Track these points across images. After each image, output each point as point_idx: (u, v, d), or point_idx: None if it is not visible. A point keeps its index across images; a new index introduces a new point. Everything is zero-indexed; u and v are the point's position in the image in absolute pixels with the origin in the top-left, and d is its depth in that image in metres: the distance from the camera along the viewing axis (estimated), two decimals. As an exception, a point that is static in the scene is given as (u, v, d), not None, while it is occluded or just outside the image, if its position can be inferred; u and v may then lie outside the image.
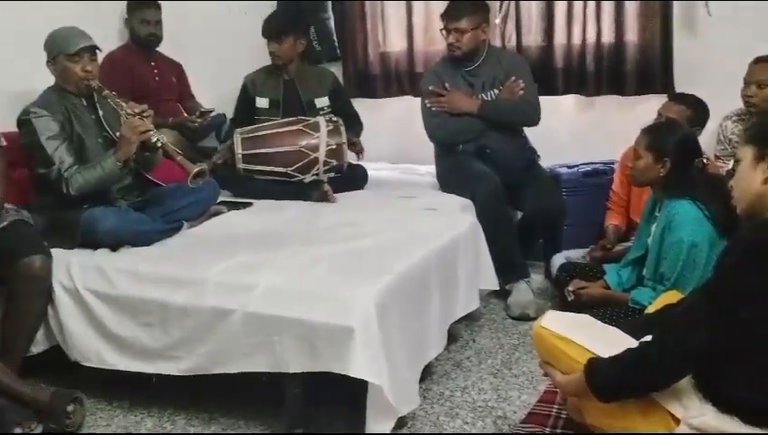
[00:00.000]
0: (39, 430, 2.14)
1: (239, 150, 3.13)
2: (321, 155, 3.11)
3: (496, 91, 3.22)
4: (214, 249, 2.39)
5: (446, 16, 3.18)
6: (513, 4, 3.72)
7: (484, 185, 2.99)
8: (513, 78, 3.19)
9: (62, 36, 2.55)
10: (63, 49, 2.52)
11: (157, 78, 3.65)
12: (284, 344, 1.97)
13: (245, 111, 3.42)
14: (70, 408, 2.14)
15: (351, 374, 1.87)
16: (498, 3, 3.74)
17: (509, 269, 2.94)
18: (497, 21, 3.74)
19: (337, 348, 1.90)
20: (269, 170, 3.14)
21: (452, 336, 2.56)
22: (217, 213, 2.86)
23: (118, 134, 2.67)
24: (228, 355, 2.05)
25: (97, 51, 2.61)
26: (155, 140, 2.50)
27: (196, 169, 2.47)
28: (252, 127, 3.24)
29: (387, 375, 1.89)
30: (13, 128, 2.57)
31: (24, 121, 2.47)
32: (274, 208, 2.95)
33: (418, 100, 3.37)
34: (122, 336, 2.20)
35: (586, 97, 3.68)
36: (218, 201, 2.92)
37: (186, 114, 3.66)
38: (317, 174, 3.14)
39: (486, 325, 2.85)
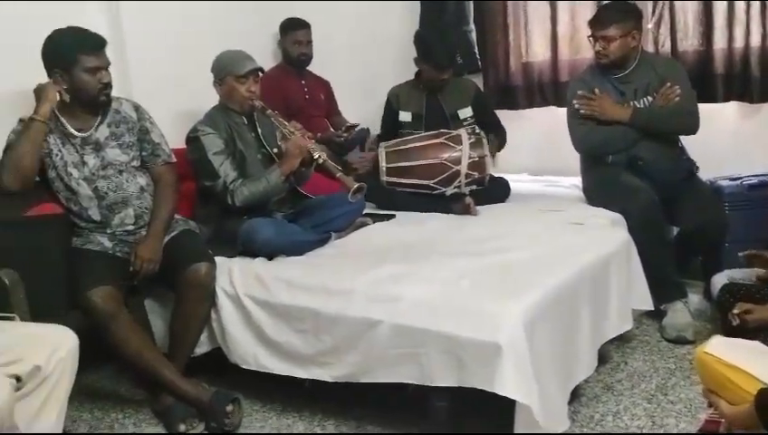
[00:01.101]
0: (201, 428, 2.31)
1: (383, 163, 3.20)
2: (463, 168, 3.11)
3: (650, 98, 3.05)
4: (361, 260, 2.45)
5: (593, 24, 3.07)
6: (666, 6, 3.53)
7: (637, 199, 2.84)
8: (669, 84, 3.02)
9: (232, 59, 2.75)
10: (233, 71, 2.71)
11: (306, 96, 3.83)
12: (431, 357, 1.99)
13: (391, 125, 3.49)
14: (229, 408, 2.28)
15: (499, 392, 1.84)
16: (651, 6, 3.57)
17: (664, 288, 2.77)
18: (650, 25, 3.57)
19: (484, 365, 1.88)
20: (412, 183, 3.18)
21: (602, 358, 2.45)
22: (363, 225, 2.94)
23: (275, 150, 2.86)
24: (376, 365, 2.10)
25: (260, 73, 2.79)
26: (317, 156, 2.66)
27: (355, 186, 2.60)
28: (396, 140, 3.30)
29: (536, 395, 1.85)
30: (181, 144, 2.80)
31: (192, 138, 2.68)
32: (417, 221, 2.98)
33: (563, 110, 3.28)
34: (278, 341, 2.32)
35: (749, 104, 3.41)
36: (364, 213, 2.99)
37: (332, 129, 3.81)
38: (459, 187, 3.15)
39: (639, 347, 2.70)
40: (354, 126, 3.70)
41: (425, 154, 3.17)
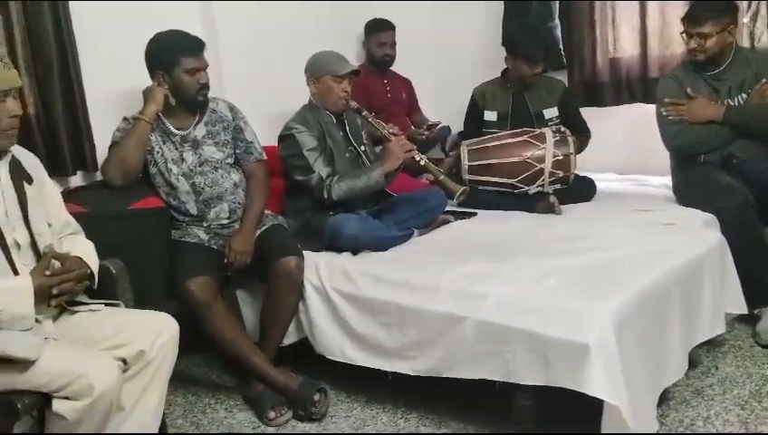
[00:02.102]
0: (289, 415, 2.39)
1: (465, 162, 3.21)
2: (547, 166, 3.08)
3: (744, 95, 2.93)
4: (444, 257, 2.47)
5: (687, 20, 2.96)
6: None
7: (731, 199, 2.73)
8: (765, 80, 2.89)
9: (330, 59, 2.85)
10: (333, 71, 2.80)
11: (389, 94, 3.90)
12: (516, 355, 1.99)
13: (475, 124, 3.48)
14: (316, 397, 2.35)
15: (587, 392, 1.83)
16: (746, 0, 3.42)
17: (760, 292, 2.65)
18: (745, 20, 3.42)
19: (572, 364, 1.87)
20: (494, 181, 3.18)
21: (692, 361, 2.38)
22: (445, 222, 2.96)
23: (363, 148, 2.93)
24: (460, 361, 2.12)
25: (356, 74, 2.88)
26: (418, 158, 2.74)
27: (460, 190, 2.71)
28: (478, 139, 3.30)
29: (625, 396, 1.82)
30: (269, 142, 2.90)
31: (287, 136, 2.78)
32: (499, 219, 2.97)
33: (652, 107, 3.18)
34: (363, 334, 2.37)
35: None
36: (445, 211, 3.01)
37: (413, 127, 3.85)
38: (542, 185, 3.12)
39: (731, 352, 2.61)
40: (435, 124, 3.73)
41: (507, 152, 3.16)
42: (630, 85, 3.83)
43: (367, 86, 3.72)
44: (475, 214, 3.07)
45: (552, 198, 3.02)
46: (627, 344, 1.91)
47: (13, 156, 1.86)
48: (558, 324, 1.92)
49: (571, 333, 1.88)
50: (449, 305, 2.14)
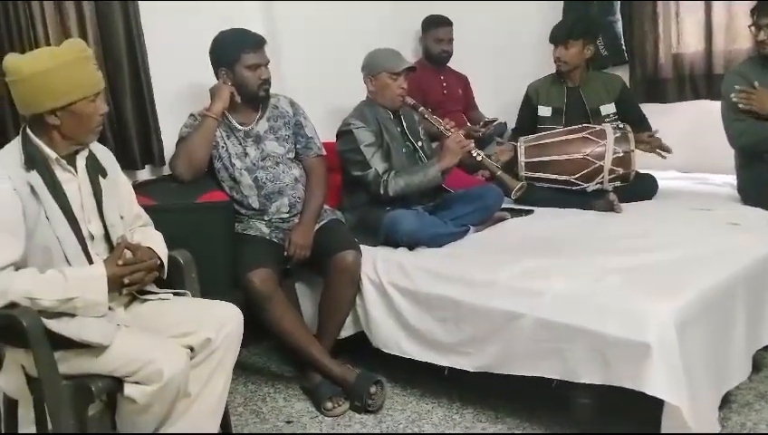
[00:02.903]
0: (346, 406, 2.43)
1: (522, 158, 3.18)
2: (607, 163, 3.04)
3: (816, 92, 2.83)
4: (501, 253, 2.47)
5: (757, 11, 2.87)
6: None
7: (800, 199, 2.65)
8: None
9: (387, 56, 2.88)
10: (388, 67, 2.84)
11: (445, 91, 3.89)
12: (575, 353, 1.98)
13: (528, 120, 3.46)
14: (372, 389, 2.39)
15: (648, 392, 1.81)
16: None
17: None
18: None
19: (632, 364, 1.85)
20: (551, 178, 3.15)
21: (756, 365, 2.32)
22: (501, 219, 2.95)
23: (420, 144, 2.95)
24: (517, 357, 2.12)
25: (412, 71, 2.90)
26: (475, 154, 2.74)
27: (518, 185, 2.70)
28: (536, 135, 3.28)
29: (686, 397, 1.80)
30: (328, 138, 2.95)
31: (345, 132, 2.82)
32: (557, 216, 2.95)
33: (714, 104, 3.11)
34: (419, 328, 2.40)
35: None
36: (502, 208, 3.01)
37: (469, 124, 3.84)
38: (601, 183, 3.08)
39: (798, 357, 2.53)
40: (492, 121, 3.71)
41: (566, 149, 3.13)
42: (694, 81, 3.73)
43: (423, 82, 3.72)
44: (531, 211, 3.05)
45: (612, 196, 2.98)
46: (689, 345, 1.88)
47: (89, 150, 1.96)
48: (619, 323, 1.91)
49: (633, 333, 1.86)
50: (507, 302, 2.15)
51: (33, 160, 1.81)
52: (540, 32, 3.97)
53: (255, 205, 2.64)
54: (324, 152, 2.83)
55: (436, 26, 3.82)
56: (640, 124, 3.32)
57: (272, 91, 2.73)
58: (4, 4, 2.42)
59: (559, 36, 3.32)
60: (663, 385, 1.79)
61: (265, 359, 2.94)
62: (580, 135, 3.12)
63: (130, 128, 2.79)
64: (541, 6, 4.14)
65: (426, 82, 3.75)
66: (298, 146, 2.76)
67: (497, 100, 4.17)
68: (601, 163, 3.04)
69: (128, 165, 2.77)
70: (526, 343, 2.09)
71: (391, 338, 2.49)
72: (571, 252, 2.39)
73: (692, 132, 3.66)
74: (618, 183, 3.08)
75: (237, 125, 2.67)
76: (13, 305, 1.73)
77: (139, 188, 2.44)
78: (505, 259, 2.36)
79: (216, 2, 3.09)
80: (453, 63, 3.99)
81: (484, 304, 2.20)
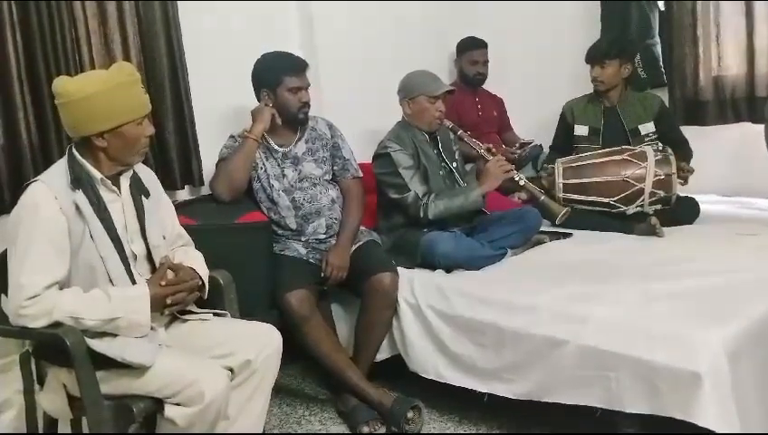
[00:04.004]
0: (382, 430, 2.40)
1: (560, 179, 3.14)
2: (648, 186, 2.98)
3: None
4: (541, 277, 2.44)
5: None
6: None
7: None
8: None
9: (426, 79, 2.88)
10: (428, 91, 2.84)
11: (480, 113, 3.89)
12: (621, 382, 1.93)
13: (564, 139, 3.44)
14: (410, 414, 2.36)
15: (699, 423, 1.75)
16: None
17: None
18: None
19: (681, 393, 1.79)
20: (590, 200, 3.10)
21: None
22: (539, 242, 2.91)
23: (455, 165, 2.94)
24: (560, 385, 2.07)
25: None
26: (517, 178, 2.72)
27: (563, 211, 2.69)
28: (574, 156, 3.24)
29: (738, 428, 1.74)
30: (363, 160, 2.95)
31: (382, 154, 2.82)
32: (596, 240, 2.90)
33: (759, 127, 3.04)
34: (458, 353, 2.36)
35: None
36: (540, 230, 2.97)
37: (504, 146, 3.82)
38: (641, 205, 3.02)
39: None
40: (528, 143, 3.68)
41: (605, 170, 3.08)
42: (735, 104, 3.65)
43: (458, 104, 3.71)
44: (570, 234, 3.00)
45: (654, 220, 2.92)
46: (741, 374, 1.83)
47: (133, 171, 1.98)
48: (667, 351, 1.86)
49: (682, 361, 1.81)
50: (549, 328, 2.11)
51: (79, 180, 1.83)
52: (576, 52, 3.95)
53: (293, 225, 2.65)
54: (361, 174, 2.83)
55: (471, 49, 3.83)
56: (681, 147, 3.27)
57: (309, 112, 2.74)
58: (51, 28, 2.48)
59: (595, 56, 3.30)
60: (714, 416, 1.73)
61: (300, 380, 2.92)
62: (620, 157, 3.07)
63: (171, 149, 2.83)
64: (576, 26, 4.11)
65: (460, 103, 3.74)
66: (335, 168, 2.76)
67: (532, 121, 4.14)
68: (642, 185, 2.99)
69: (168, 185, 2.80)
70: (570, 370, 2.04)
71: (429, 362, 2.46)
72: (614, 277, 2.34)
73: (733, 155, 3.60)
74: (658, 206, 3.02)
75: (276, 147, 2.68)
76: (57, 324, 1.74)
77: (180, 208, 2.45)
78: (547, 284, 2.32)
79: (256, 24, 3.13)
80: (487, 85, 3.98)
81: (526, 329, 2.16)
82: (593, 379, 1.99)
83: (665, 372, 1.84)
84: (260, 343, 1.96)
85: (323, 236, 2.67)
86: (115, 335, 1.81)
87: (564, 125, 3.44)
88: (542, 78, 4.20)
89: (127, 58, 2.71)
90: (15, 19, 2.41)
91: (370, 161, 2.93)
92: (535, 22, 4.16)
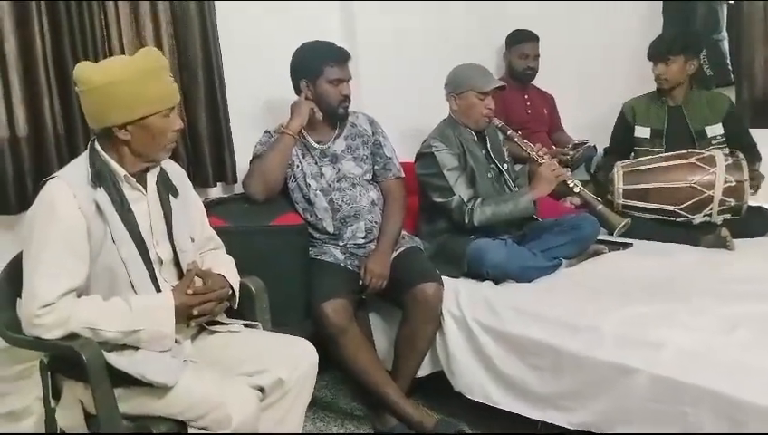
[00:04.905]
0: (423, 456, 2.21)
1: (620, 184, 2.91)
2: (717, 193, 2.73)
3: None
4: (602, 293, 2.22)
5: None
6: None
7: None
8: None
9: (475, 74, 2.66)
10: (476, 86, 2.62)
11: (529, 110, 3.67)
12: (700, 418, 1.70)
13: (623, 141, 3.21)
14: (453, 439, 2.16)
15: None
16: None
17: None
18: None
19: (773, 435, 1.56)
20: (652, 208, 2.86)
21: None
22: (597, 253, 2.68)
23: (505, 166, 2.73)
24: (627, 417, 1.85)
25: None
26: (572, 185, 2.50)
27: (622, 223, 2.45)
28: (635, 160, 3.00)
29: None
30: (406, 158, 2.75)
31: (426, 154, 2.61)
32: (659, 252, 2.66)
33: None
34: (509, 375, 2.15)
35: None
36: (597, 239, 2.73)
37: (554, 147, 3.59)
38: (709, 215, 2.77)
39: None
40: (582, 144, 3.44)
41: (670, 176, 2.84)
42: (809, 106, 3.38)
43: (506, 101, 3.49)
44: (630, 244, 2.76)
45: (724, 231, 2.66)
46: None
47: (161, 168, 1.81)
48: (756, 387, 1.63)
49: (773, 400, 1.57)
50: (617, 353, 1.89)
51: (101, 177, 1.67)
52: (633, 47, 3.72)
53: (330, 228, 2.46)
54: (403, 174, 2.63)
55: (521, 41, 3.61)
56: (750, 152, 3.00)
57: (351, 108, 2.55)
58: (79, 12, 2.32)
59: (658, 52, 3.07)
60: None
61: (334, 392, 2.73)
62: (686, 161, 2.82)
63: (204, 142, 2.66)
64: (635, 20, 3.86)
65: (509, 100, 3.51)
66: (376, 167, 2.57)
67: (583, 121, 3.91)
68: (711, 193, 2.74)
69: (200, 182, 2.65)
70: (640, 402, 1.81)
71: (476, 382, 2.25)
72: (686, 296, 2.10)
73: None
74: (728, 216, 2.77)
75: (314, 143, 2.50)
76: (73, 336, 1.59)
77: (210, 208, 2.30)
78: (610, 301, 2.10)
79: (295, 15, 2.96)
80: (537, 81, 3.76)
81: (589, 353, 1.94)
82: (667, 413, 1.77)
83: (752, 410, 1.62)
84: (294, 360, 1.78)
85: (362, 241, 2.48)
86: (136, 348, 1.65)
87: (624, 125, 3.21)
88: (594, 74, 3.96)
89: (159, 44, 2.54)
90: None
91: (413, 161, 2.73)
92: (589, 13, 3.91)
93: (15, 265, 1.71)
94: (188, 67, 2.63)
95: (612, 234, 2.64)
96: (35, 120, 2.28)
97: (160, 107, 1.67)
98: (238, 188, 2.68)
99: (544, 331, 2.08)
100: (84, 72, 1.65)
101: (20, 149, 2.26)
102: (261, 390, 1.73)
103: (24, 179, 2.26)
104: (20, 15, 2.22)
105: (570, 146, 3.45)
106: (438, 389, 2.39)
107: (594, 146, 3.55)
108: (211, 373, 1.68)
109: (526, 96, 3.69)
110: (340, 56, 2.46)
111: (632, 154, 3.16)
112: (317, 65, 2.43)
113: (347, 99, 2.49)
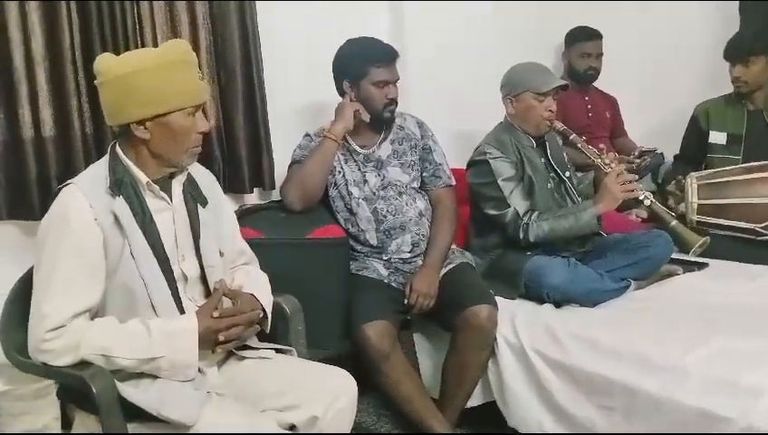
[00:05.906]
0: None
1: (694, 199, 2.64)
2: (807, 211, 2.44)
3: None
4: (681, 323, 1.97)
5: None
6: None
7: None
8: None
9: (533, 73, 2.42)
10: (535, 87, 2.38)
11: (590, 114, 3.42)
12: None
13: (696, 148, 2.97)
14: (507, 481, 1.93)
15: None
16: None
17: None
18: None
19: None
20: (730, 225, 2.59)
21: None
22: (670, 274, 2.41)
23: (567, 175, 2.48)
24: (713, 474, 1.60)
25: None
26: (642, 197, 2.23)
27: (700, 241, 2.18)
28: (711, 171, 2.72)
29: None
30: (453, 164, 2.53)
31: (480, 162, 2.39)
32: (740, 274, 2.40)
33: None
34: (572, 413, 1.91)
35: None
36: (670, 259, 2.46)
37: (617, 154, 3.31)
38: (796, 234, 2.48)
39: None
40: (650, 151, 3.14)
41: (751, 190, 2.58)
42: None
43: (565, 104, 3.20)
44: (705, 265, 2.49)
45: (813, 253, 2.37)
46: None
47: (188, 174, 1.63)
48: None
49: None
50: (702, 399, 1.63)
51: (121, 184, 1.50)
52: (705, 46, 3.45)
53: (373, 241, 2.25)
54: (454, 182, 2.42)
55: (583, 40, 3.35)
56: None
57: (397, 110, 2.35)
58: (111, 6, 2.17)
59: (737, 52, 2.82)
60: None
61: (374, 418, 2.50)
62: (769, 173, 2.54)
63: (241, 146, 2.48)
64: (706, 17, 3.57)
65: (568, 103, 3.25)
66: (425, 174, 2.36)
67: (647, 126, 3.66)
68: (798, 210, 2.45)
69: (237, 188, 2.48)
70: (732, 457, 1.56)
71: (533, 418, 2.02)
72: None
73: None
74: (817, 235, 2.48)
75: (357, 148, 2.30)
76: (84, 363, 1.42)
77: (243, 217, 2.12)
78: (693, 333, 1.85)
79: (341, 13, 2.77)
80: (598, 83, 3.50)
81: (669, 396, 1.69)
82: (764, 474, 1.51)
83: None
84: (331, 394, 1.58)
85: (408, 256, 2.27)
86: (154, 377, 1.47)
87: (696, 131, 2.96)
88: (660, 76, 3.69)
89: (195, 40, 2.38)
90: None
91: (464, 168, 2.51)
92: (656, 10, 3.63)
93: (28, 281, 1.55)
94: (226, 66, 2.45)
95: (687, 253, 2.36)
96: (62, 121, 2.14)
97: (183, 103, 1.49)
98: (276, 195, 2.51)
99: (617, 367, 1.83)
100: (104, 62, 1.49)
101: (45, 150, 2.11)
102: (292, 427, 1.54)
103: (48, 183, 2.12)
104: (48, 14, 2.08)
105: (636, 153, 3.13)
106: (490, 422, 2.17)
107: (662, 153, 3.26)
108: (237, 408, 1.50)
109: (587, 99, 3.43)
110: (386, 55, 2.25)
111: (706, 162, 2.91)
112: (361, 65, 2.23)
113: (393, 102, 2.29)
